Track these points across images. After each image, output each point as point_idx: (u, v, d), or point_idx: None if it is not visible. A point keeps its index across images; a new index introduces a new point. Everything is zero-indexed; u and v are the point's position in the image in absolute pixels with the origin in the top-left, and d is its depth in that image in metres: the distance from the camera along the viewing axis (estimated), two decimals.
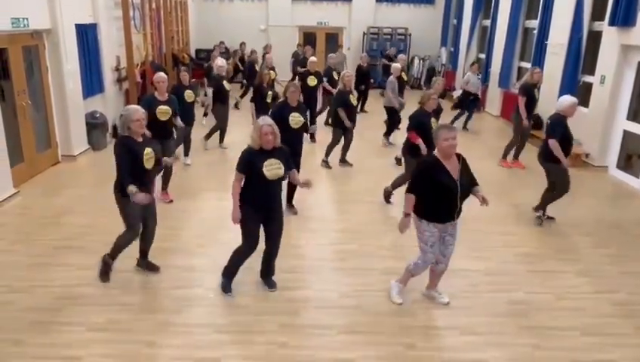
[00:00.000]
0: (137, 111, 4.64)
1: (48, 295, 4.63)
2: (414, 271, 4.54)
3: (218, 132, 9.57)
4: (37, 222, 6.18)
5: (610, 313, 4.59)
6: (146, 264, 5.09)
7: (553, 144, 6.03)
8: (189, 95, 7.98)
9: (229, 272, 4.73)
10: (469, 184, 4.29)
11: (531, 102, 8.54)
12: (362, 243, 5.83)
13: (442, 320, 4.45)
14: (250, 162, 4.38)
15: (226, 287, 4.73)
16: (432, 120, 6.49)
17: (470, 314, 4.52)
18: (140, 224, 4.80)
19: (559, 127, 6.08)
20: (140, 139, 4.64)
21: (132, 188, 4.32)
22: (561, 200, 6.58)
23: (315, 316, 4.46)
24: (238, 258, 4.65)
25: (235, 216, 4.44)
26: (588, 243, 5.97)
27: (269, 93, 8.97)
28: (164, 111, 6.69)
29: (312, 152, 9.21)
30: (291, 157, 4.70)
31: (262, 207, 4.48)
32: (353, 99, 8.34)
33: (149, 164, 4.63)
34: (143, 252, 5.07)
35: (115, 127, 9.82)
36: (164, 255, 5.33)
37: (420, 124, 6.39)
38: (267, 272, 4.86)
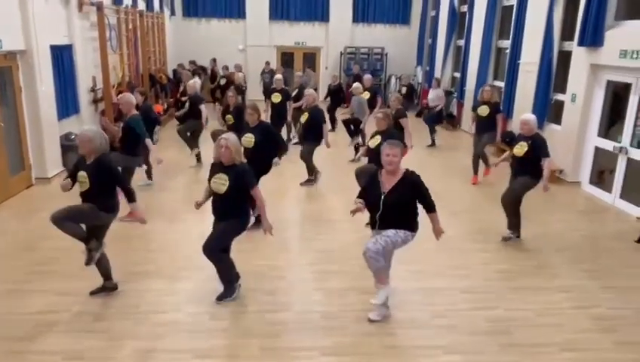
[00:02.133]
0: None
1: (23, 323, 4.49)
2: None
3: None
4: (10, 247, 6.02)
5: (590, 328, 4.65)
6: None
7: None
8: None
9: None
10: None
11: (477, 118, 9.12)
12: (342, 263, 5.81)
13: (425, 340, 4.44)
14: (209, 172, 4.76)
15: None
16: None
17: (452, 333, 4.52)
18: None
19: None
20: (88, 161, 4.64)
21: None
22: (537, 216, 6.67)
23: (297, 338, 4.41)
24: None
25: None
26: (566, 259, 6.05)
27: (228, 116, 8.75)
28: None
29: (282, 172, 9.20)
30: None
31: (213, 214, 4.79)
32: (304, 117, 8.70)
33: (80, 186, 4.65)
34: None
35: None
36: (143, 278, 5.24)
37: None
38: None
